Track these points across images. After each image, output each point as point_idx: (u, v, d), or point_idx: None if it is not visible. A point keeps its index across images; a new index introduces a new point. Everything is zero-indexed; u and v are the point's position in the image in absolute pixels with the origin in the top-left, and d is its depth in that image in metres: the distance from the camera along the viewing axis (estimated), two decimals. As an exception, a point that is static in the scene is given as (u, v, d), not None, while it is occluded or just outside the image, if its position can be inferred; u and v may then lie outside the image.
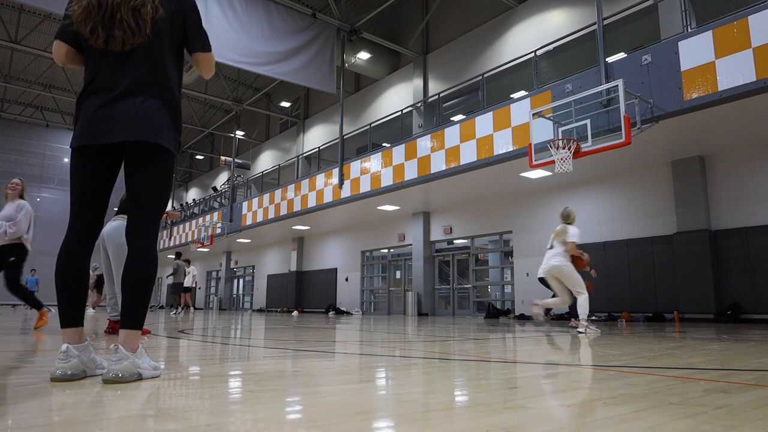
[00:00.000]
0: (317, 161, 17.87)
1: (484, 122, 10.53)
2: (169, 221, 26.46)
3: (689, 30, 8.04)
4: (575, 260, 6.08)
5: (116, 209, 5.06)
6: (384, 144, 14.32)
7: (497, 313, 13.04)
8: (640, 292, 10.51)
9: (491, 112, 10.41)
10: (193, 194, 32.68)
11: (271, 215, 17.72)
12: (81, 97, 2.06)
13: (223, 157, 21.16)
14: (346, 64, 16.32)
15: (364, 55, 16.69)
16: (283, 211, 17.00)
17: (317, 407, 1.53)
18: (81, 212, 2.06)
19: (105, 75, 2.02)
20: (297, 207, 16.24)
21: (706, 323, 8.80)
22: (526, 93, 10.17)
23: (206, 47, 2.23)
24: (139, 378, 1.95)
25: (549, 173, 10.54)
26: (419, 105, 14.63)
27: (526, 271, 12.70)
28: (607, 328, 7.30)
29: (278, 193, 17.44)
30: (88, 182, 2.05)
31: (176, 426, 1.25)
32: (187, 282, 15.79)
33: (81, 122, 2.02)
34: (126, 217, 4.88)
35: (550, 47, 10.61)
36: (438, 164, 11.47)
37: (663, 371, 2.45)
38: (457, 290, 14.93)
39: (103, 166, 2.06)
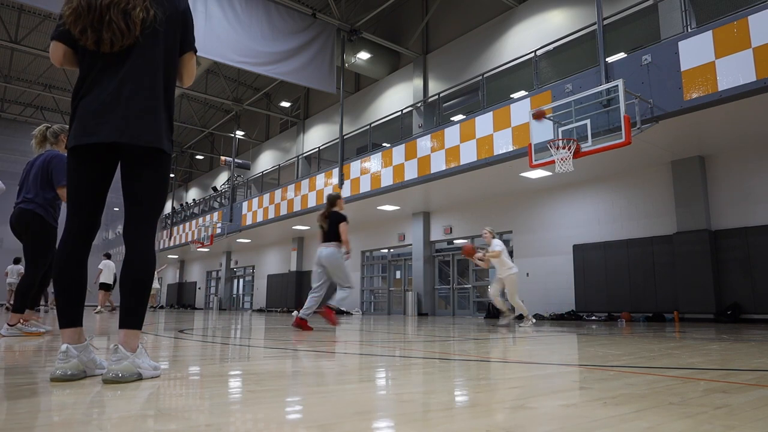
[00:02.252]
0: (317, 161, 17.87)
1: (484, 122, 10.53)
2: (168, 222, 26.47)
3: (689, 30, 8.04)
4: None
5: (323, 239, 6.36)
6: (384, 144, 14.32)
7: (497, 313, 13.03)
8: (640, 292, 10.51)
9: (491, 112, 10.41)
10: (193, 194, 32.68)
11: (271, 215, 17.73)
12: (76, 97, 2.06)
13: (223, 157, 21.16)
14: (346, 64, 16.32)
15: (364, 55, 16.69)
16: (283, 211, 17.00)
17: (317, 407, 1.53)
18: (78, 213, 2.06)
19: (99, 76, 2.03)
20: (297, 207, 16.24)
21: (706, 323, 8.80)
22: (526, 93, 10.18)
23: (194, 46, 2.28)
24: (139, 378, 1.95)
25: (549, 173, 10.54)
26: (419, 105, 14.64)
27: (526, 271, 12.70)
28: (607, 328, 7.31)
29: (278, 193, 17.44)
30: (84, 183, 2.05)
31: (176, 426, 1.25)
32: (107, 278, 14.63)
33: (76, 122, 2.02)
34: (335, 243, 6.00)
35: (550, 47, 10.61)
36: (438, 164, 11.47)
37: (663, 371, 2.45)
38: (457, 290, 14.93)
39: (99, 166, 2.06)
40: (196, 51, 2.27)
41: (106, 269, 14.72)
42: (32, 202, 4.35)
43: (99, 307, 14.50)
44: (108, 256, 15.33)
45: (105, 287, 14.72)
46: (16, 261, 15.42)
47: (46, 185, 4.37)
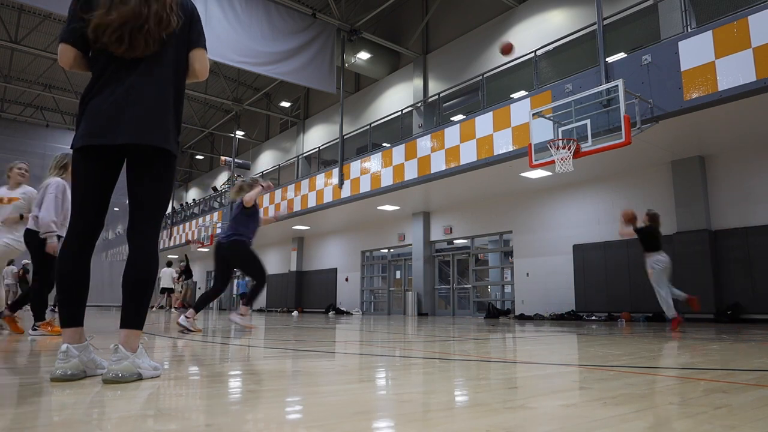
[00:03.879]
0: (317, 161, 17.87)
1: (484, 122, 10.53)
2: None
3: (689, 30, 8.04)
4: None
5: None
6: (384, 144, 14.32)
7: (497, 313, 13.04)
8: (640, 292, 10.49)
9: (491, 112, 10.41)
10: (193, 194, 32.67)
11: (270, 215, 17.71)
12: (86, 97, 2.06)
13: (223, 157, 21.17)
14: (346, 64, 16.31)
15: (364, 55, 16.69)
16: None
17: (317, 407, 1.53)
18: (83, 213, 2.07)
19: (110, 78, 2.04)
20: (297, 207, 16.24)
21: (706, 323, 8.80)
22: (526, 93, 10.17)
23: (205, 44, 2.27)
24: (139, 378, 1.95)
25: (549, 173, 10.54)
26: (419, 105, 14.63)
27: (526, 271, 12.70)
28: (607, 328, 7.31)
29: (278, 193, 17.44)
30: (90, 183, 2.06)
31: (176, 426, 1.25)
32: (167, 283, 16.85)
33: (85, 122, 2.02)
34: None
35: (550, 47, 10.60)
36: (438, 164, 11.47)
37: (663, 371, 2.45)
38: (457, 290, 14.93)
39: (106, 167, 2.07)
40: (205, 48, 2.27)
41: (164, 276, 16.48)
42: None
43: (171, 309, 16.45)
44: (169, 264, 17.30)
45: (168, 291, 16.94)
46: (9, 262, 15.43)
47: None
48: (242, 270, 6.12)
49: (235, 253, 5.73)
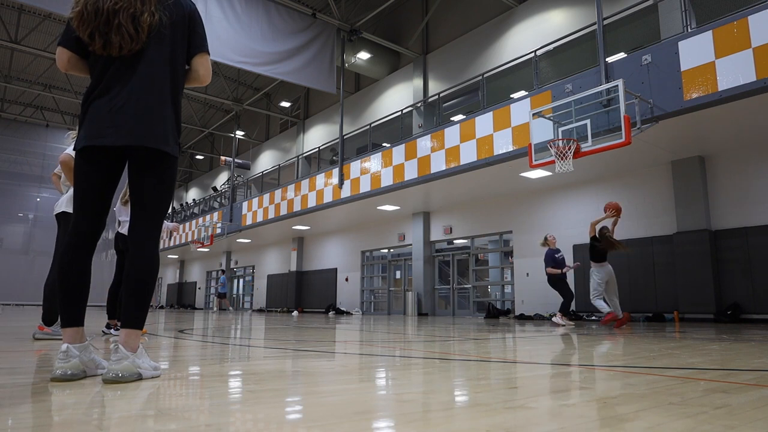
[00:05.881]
0: (317, 161, 17.87)
1: (484, 122, 10.53)
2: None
3: (689, 30, 8.03)
4: None
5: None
6: (384, 144, 14.32)
7: (497, 313, 13.04)
8: (640, 292, 10.50)
9: (491, 112, 10.41)
10: (193, 194, 32.68)
11: (271, 215, 17.73)
12: (87, 100, 2.08)
13: (223, 157, 21.17)
14: (346, 64, 16.31)
15: (364, 55, 16.69)
16: (283, 211, 17.00)
17: (317, 407, 1.53)
18: (84, 213, 2.08)
19: (110, 79, 2.05)
20: (297, 207, 16.24)
21: (706, 323, 8.80)
22: (526, 93, 10.17)
23: (207, 48, 2.28)
24: (139, 378, 1.95)
25: (549, 173, 10.54)
26: (419, 105, 14.63)
27: (526, 271, 12.69)
28: (607, 328, 7.31)
29: (278, 193, 17.44)
30: (91, 184, 2.07)
31: (176, 426, 1.25)
32: None
33: (87, 124, 2.04)
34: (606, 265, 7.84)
35: (550, 47, 10.60)
36: (438, 164, 11.47)
37: (663, 371, 2.45)
38: (457, 290, 14.93)
39: (107, 168, 2.08)
40: (208, 52, 2.29)
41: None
42: None
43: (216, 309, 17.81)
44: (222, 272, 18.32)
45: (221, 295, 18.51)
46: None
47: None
48: (558, 290, 9.06)
49: (551, 283, 8.98)
